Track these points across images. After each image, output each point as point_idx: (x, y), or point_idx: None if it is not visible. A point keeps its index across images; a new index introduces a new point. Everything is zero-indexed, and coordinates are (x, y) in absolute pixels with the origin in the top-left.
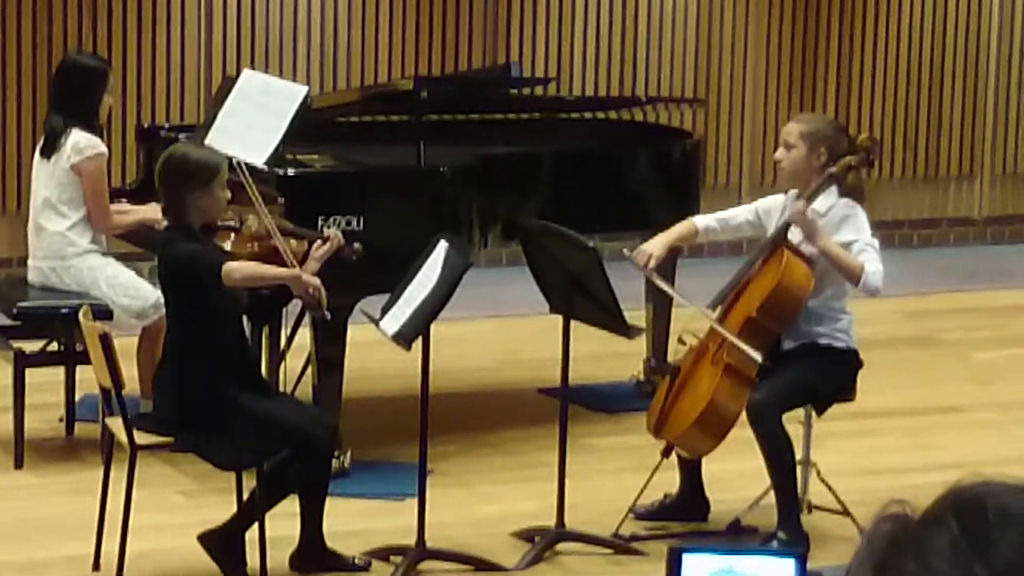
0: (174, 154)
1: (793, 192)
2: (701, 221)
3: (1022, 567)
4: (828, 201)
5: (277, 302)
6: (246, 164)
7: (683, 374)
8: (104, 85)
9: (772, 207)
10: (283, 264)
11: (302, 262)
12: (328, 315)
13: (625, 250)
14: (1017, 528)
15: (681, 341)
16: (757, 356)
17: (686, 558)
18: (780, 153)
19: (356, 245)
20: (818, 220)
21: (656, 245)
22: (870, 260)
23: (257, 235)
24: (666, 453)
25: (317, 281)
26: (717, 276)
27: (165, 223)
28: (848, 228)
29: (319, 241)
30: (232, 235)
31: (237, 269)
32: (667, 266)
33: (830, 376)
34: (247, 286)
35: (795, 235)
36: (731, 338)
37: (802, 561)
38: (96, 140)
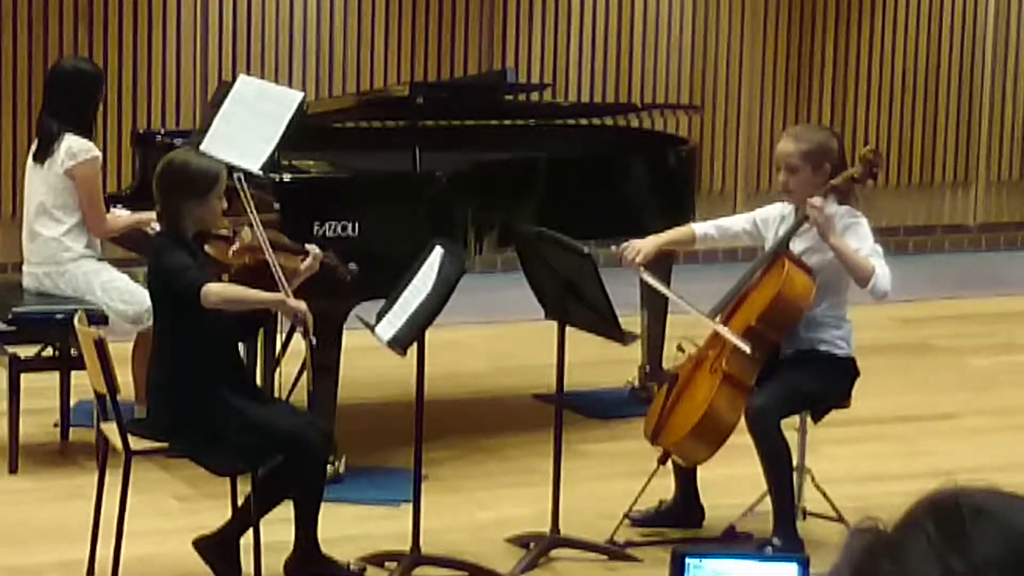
0: (174, 160)
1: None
2: (700, 228)
3: (999, 561)
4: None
5: (258, 321)
6: (243, 175)
7: (681, 382)
8: (100, 90)
9: (770, 217)
10: (274, 280)
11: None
12: (314, 341)
13: (613, 246)
14: (992, 523)
15: (680, 348)
16: (744, 346)
17: (689, 562)
18: (784, 177)
19: (352, 265)
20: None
21: (647, 243)
22: (880, 264)
23: (250, 247)
24: (663, 460)
25: (303, 307)
26: (712, 281)
27: (158, 228)
28: (851, 238)
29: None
30: (225, 245)
31: (216, 292)
32: (662, 272)
33: (829, 383)
34: (227, 309)
35: (796, 246)
36: (723, 330)
37: (805, 566)
38: (89, 144)
